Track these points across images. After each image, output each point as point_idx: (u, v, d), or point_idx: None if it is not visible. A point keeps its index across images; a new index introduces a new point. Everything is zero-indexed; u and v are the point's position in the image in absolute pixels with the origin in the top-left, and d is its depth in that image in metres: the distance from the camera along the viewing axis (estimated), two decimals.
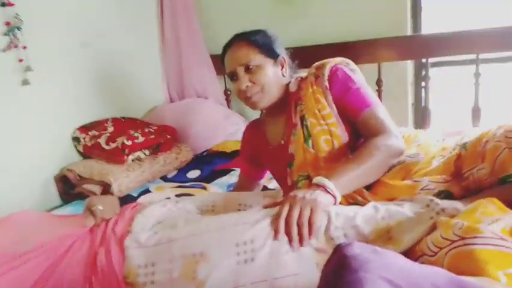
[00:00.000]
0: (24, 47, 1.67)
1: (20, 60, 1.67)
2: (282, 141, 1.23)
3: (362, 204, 0.98)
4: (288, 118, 1.22)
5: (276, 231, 0.89)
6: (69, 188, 1.80)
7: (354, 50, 2.11)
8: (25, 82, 1.69)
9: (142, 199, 1.73)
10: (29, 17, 1.68)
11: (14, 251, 0.91)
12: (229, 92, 2.53)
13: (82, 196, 1.74)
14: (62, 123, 1.89)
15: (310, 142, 1.15)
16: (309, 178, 1.14)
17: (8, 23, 1.64)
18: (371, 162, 1.03)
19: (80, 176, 1.79)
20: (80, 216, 1.10)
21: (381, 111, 1.14)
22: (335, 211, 0.92)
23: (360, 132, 1.14)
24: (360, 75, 1.23)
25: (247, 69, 1.18)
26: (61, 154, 1.87)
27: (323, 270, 0.58)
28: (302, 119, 1.17)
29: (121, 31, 2.19)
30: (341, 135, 1.13)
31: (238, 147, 2.14)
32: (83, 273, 0.92)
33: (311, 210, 0.91)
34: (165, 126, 2.13)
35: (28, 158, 1.72)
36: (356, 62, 1.27)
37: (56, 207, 1.75)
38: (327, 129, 1.13)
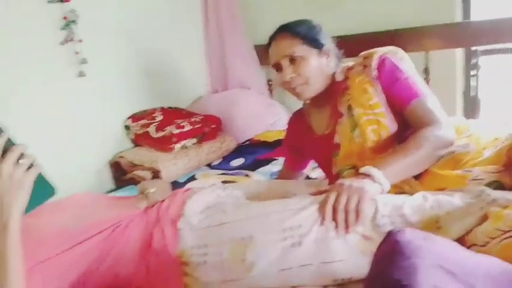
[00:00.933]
0: (80, 41, 1.77)
1: (76, 53, 1.78)
2: (327, 131, 1.24)
3: (410, 194, 0.99)
4: (334, 108, 1.22)
5: (323, 217, 0.92)
6: (121, 174, 1.90)
7: (400, 38, 2.06)
8: (81, 74, 1.80)
9: (189, 185, 1.80)
10: (83, 12, 1.78)
11: (75, 229, 0.99)
12: (271, 82, 2.55)
13: (134, 181, 1.84)
14: (114, 113, 2.00)
15: (356, 132, 1.15)
16: (354, 168, 1.15)
17: (65, 18, 1.74)
18: (418, 153, 1.03)
19: (131, 163, 1.88)
20: (134, 199, 1.17)
21: (431, 101, 1.12)
22: (382, 200, 0.93)
23: (409, 123, 1.13)
24: (409, 63, 1.22)
25: (291, 60, 1.19)
26: (114, 142, 1.99)
27: (374, 256, 0.60)
28: (349, 108, 1.17)
29: (166, 25, 2.27)
30: (389, 125, 1.13)
31: (280, 136, 2.18)
32: (138, 252, 0.98)
33: (358, 198, 0.92)
34: (210, 116, 2.19)
35: (84, 145, 1.83)
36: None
37: (110, 192, 1.86)
38: (375, 119, 1.13)
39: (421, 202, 0.92)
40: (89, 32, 1.81)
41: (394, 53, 1.22)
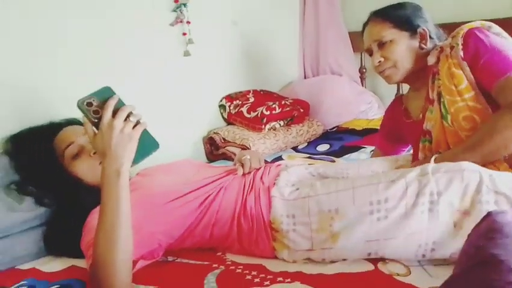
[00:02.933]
0: (189, 22, 1.91)
1: (184, 34, 1.92)
2: (421, 115, 1.22)
3: None
4: (428, 92, 1.20)
5: None
6: (214, 149, 2.04)
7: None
8: (186, 53, 1.95)
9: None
10: None
11: (179, 190, 1.10)
12: (364, 70, 2.52)
13: (225, 157, 1.97)
14: (212, 92, 2.14)
15: (449, 119, 1.11)
16: None
17: (176, 0, 1.89)
18: (494, 141, 0.99)
19: (224, 139, 2.01)
20: (231, 167, 1.27)
21: None
22: (488, 173, 0.90)
23: (498, 103, 1.05)
24: (507, 39, 1.12)
25: (381, 44, 1.20)
26: (209, 119, 2.13)
27: (471, 231, 0.60)
28: (440, 94, 1.13)
29: (267, 10, 2.34)
30: (482, 108, 1.06)
31: (369, 125, 2.16)
32: (232, 214, 1.07)
33: None
34: (299, 101, 2.23)
35: (183, 119, 1.98)
36: None
37: None
38: (465, 106, 1.08)
39: None
40: (198, 15, 1.94)
41: (488, 27, 1.12)
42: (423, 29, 1.20)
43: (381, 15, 1.22)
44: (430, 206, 0.90)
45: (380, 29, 1.20)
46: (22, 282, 1.05)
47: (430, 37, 1.20)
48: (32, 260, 1.17)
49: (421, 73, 1.20)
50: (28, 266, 1.15)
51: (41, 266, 1.14)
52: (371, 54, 1.25)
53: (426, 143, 1.19)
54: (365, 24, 1.27)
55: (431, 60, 1.17)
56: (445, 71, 1.11)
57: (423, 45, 1.20)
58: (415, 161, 1.25)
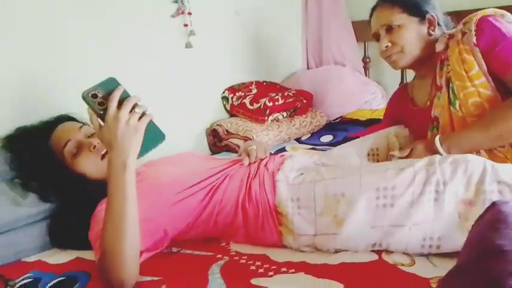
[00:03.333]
0: (190, 13, 1.90)
1: (185, 25, 1.91)
2: (428, 103, 1.21)
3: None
4: (434, 79, 1.19)
5: None
6: (217, 141, 2.04)
7: None
8: (188, 45, 1.94)
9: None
10: None
11: (187, 180, 1.11)
12: (368, 60, 2.50)
13: (228, 148, 1.97)
14: (214, 84, 2.13)
15: (457, 105, 1.10)
16: None
17: None
18: (502, 126, 0.98)
19: (227, 131, 2.01)
20: (236, 157, 1.27)
21: None
22: (491, 163, 0.91)
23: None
24: None
25: (389, 29, 1.19)
26: (212, 111, 2.12)
27: (475, 222, 0.60)
28: (448, 81, 1.12)
29: (270, 0, 2.32)
30: (492, 95, 1.06)
31: (373, 116, 2.15)
32: (235, 201, 1.07)
33: None
34: (302, 92, 2.22)
35: (186, 111, 1.98)
36: None
37: None
38: (475, 91, 1.07)
39: None
40: (199, 6, 1.93)
41: (501, 15, 1.11)
42: (432, 15, 1.19)
43: (391, 0, 1.21)
44: (436, 196, 0.90)
45: (389, 13, 1.19)
46: (28, 275, 1.06)
47: (438, 24, 1.19)
48: (37, 253, 1.18)
49: (428, 60, 1.20)
50: (34, 258, 1.16)
51: (47, 258, 1.15)
52: (377, 40, 1.24)
53: (435, 130, 1.18)
54: (373, 9, 1.26)
55: (439, 46, 1.17)
56: (456, 56, 1.11)
57: (431, 32, 1.19)
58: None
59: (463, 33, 1.11)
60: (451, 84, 1.11)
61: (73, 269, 1.07)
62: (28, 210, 1.17)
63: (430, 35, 1.19)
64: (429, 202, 0.90)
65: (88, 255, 1.06)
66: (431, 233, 0.89)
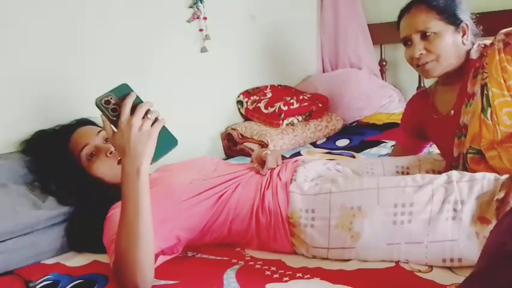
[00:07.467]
0: (205, 18, 1.91)
1: (201, 30, 1.93)
2: (452, 111, 1.18)
3: None
4: (463, 87, 1.15)
5: None
6: (232, 145, 2.04)
7: None
8: (203, 50, 1.95)
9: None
10: None
11: (200, 185, 1.11)
12: (384, 63, 2.47)
13: (243, 153, 1.97)
14: (229, 88, 2.14)
15: (488, 113, 1.08)
16: (480, 153, 1.08)
17: None
18: None
19: (242, 135, 2.01)
20: (249, 164, 1.27)
21: None
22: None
23: None
24: None
25: (424, 36, 1.13)
26: (227, 115, 2.13)
27: (494, 227, 0.59)
28: (483, 88, 1.09)
29: (284, 3, 2.32)
30: None
31: (390, 120, 2.13)
32: (250, 210, 1.07)
33: None
34: (318, 95, 2.21)
35: (201, 116, 1.99)
36: None
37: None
38: (511, 101, 1.05)
39: None
40: (214, 10, 1.94)
41: None
42: (466, 24, 1.15)
43: (427, 4, 1.14)
44: (454, 214, 0.89)
45: (426, 18, 1.12)
46: (47, 277, 1.08)
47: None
48: (56, 255, 1.20)
49: (458, 68, 1.16)
50: (53, 260, 1.18)
51: (65, 261, 1.17)
52: (406, 44, 1.18)
53: (462, 137, 1.14)
54: (405, 11, 1.18)
55: (474, 54, 1.14)
56: (495, 64, 1.08)
57: (465, 41, 1.15)
58: (447, 158, 1.22)
59: (506, 44, 1.08)
60: (485, 92, 1.08)
61: (91, 271, 1.08)
62: (47, 213, 1.19)
63: (464, 44, 1.15)
64: (447, 221, 0.89)
65: (105, 258, 1.07)
66: (451, 253, 0.88)
